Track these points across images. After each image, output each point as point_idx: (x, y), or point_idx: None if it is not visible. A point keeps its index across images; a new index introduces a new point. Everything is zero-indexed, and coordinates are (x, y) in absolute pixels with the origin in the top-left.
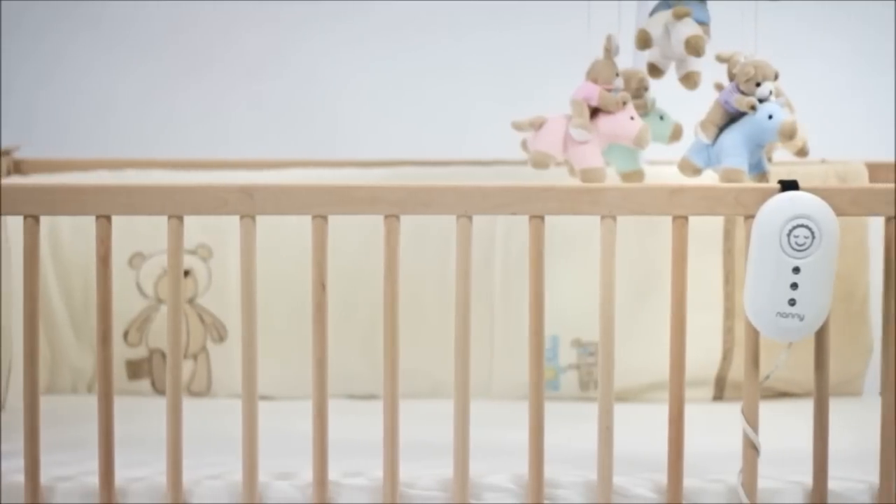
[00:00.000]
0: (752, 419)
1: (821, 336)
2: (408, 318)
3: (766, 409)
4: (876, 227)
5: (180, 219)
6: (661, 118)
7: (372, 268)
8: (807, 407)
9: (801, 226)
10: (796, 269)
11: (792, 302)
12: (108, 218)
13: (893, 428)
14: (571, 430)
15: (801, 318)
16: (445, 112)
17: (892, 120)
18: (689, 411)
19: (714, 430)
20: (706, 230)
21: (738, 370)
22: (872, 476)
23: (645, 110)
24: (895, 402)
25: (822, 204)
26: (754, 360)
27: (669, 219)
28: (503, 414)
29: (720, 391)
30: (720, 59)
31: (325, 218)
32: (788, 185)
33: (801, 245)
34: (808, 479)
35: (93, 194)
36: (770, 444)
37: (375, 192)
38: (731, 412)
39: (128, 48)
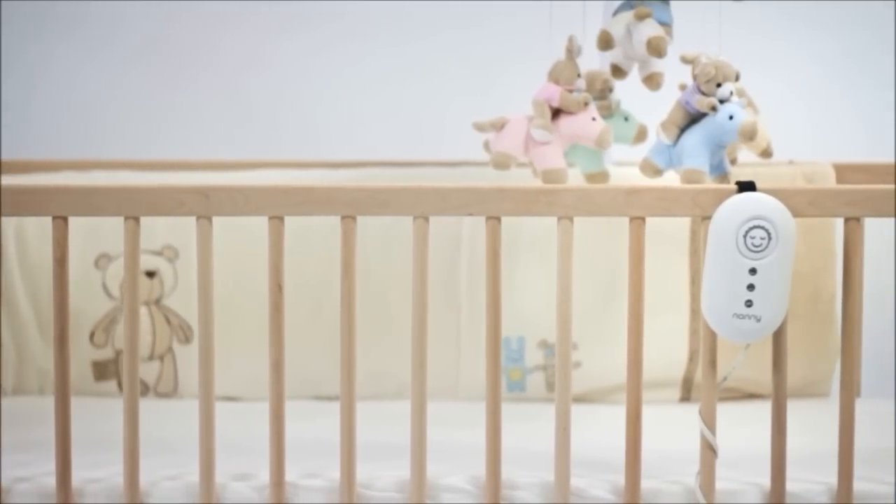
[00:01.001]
0: (709, 420)
1: (778, 337)
2: (374, 320)
3: (733, 411)
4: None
5: (136, 220)
6: (626, 119)
7: (339, 269)
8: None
9: (758, 227)
10: (753, 271)
11: (749, 303)
12: (65, 219)
13: (851, 429)
14: (535, 430)
15: (758, 320)
16: (421, 112)
17: (861, 121)
18: (656, 412)
19: (678, 432)
20: (672, 231)
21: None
22: (832, 477)
23: (609, 111)
24: (853, 402)
25: (778, 205)
26: (712, 361)
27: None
28: (469, 415)
29: (687, 392)
30: (684, 60)
31: (281, 219)
32: (745, 187)
33: (757, 246)
34: (767, 480)
35: (49, 195)
36: (734, 446)
37: (332, 193)
38: (696, 413)
39: (107, 50)
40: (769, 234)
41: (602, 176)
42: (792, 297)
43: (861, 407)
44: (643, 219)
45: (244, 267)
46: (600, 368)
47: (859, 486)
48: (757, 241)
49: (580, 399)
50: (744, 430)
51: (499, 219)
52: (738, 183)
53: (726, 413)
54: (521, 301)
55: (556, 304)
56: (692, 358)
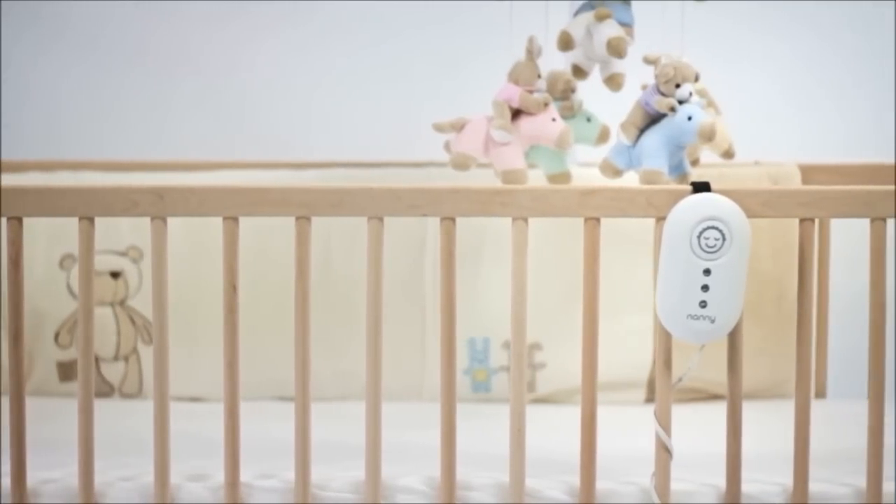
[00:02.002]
0: (664, 422)
1: (734, 338)
2: (341, 321)
3: (697, 412)
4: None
5: (91, 220)
6: (589, 120)
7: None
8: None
9: (712, 228)
10: (707, 271)
11: (703, 304)
12: (20, 220)
13: (806, 430)
14: (498, 431)
15: (713, 321)
16: (388, 113)
17: (826, 122)
18: (620, 413)
19: (640, 432)
20: (637, 231)
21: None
22: (790, 478)
23: (572, 112)
24: (808, 403)
25: (732, 206)
26: (666, 362)
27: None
28: (433, 416)
29: (652, 393)
30: (647, 60)
31: (235, 220)
32: (700, 187)
33: (711, 247)
34: (723, 480)
35: (2, 196)
36: (696, 447)
37: (286, 194)
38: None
39: (80, 51)
40: (723, 234)
41: (564, 177)
42: (758, 298)
43: (827, 408)
44: (598, 219)
45: (208, 267)
46: (565, 369)
47: (815, 487)
48: (711, 242)
49: (545, 400)
50: (706, 430)
51: (453, 219)
52: (693, 183)
53: (690, 414)
54: (486, 302)
55: (511, 305)
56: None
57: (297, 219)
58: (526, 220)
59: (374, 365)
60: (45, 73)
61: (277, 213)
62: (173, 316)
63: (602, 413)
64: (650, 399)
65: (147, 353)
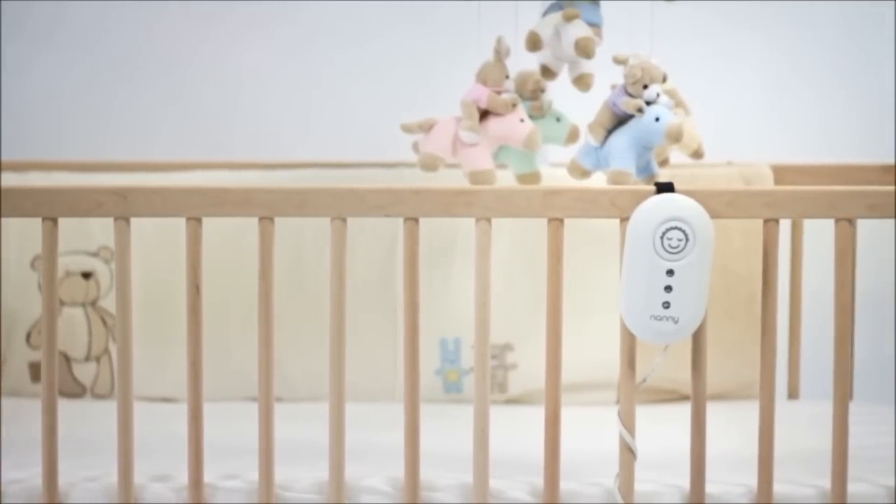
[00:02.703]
0: (628, 422)
1: (697, 339)
2: (313, 321)
3: (667, 413)
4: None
5: (54, 221)
6: (558, 120)
7: (277, 269)
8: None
9: (675, 228)
10: (670, 272)
11: (666, 305)
12: None
13: (771, 430)
14: (466, 432)
15: (676, 321)
16: (361, 113)
17: (799, 122)
18: (592, 413)
19: (611, 433)
20: (611, 231)
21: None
22: (755, 479)
23: (541, 112)
24: (773, 404)
25: (696, 206)
26: (630, 363)
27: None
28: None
29: None
30: (616, 61)
31: (198, 220)
32: (664, 188)
33: (674, 248)
34: (687, 481)
35: None
36: (664, 447)
37: (249, 195)
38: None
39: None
40: (686, 235)
41: (533, 177)
42: (729, 298)
43: (800, 409)
44: (561, 220)
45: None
46: (537, 370)
47: (780, 488)
48: (674, 243)
49: (516, 400)
50: (676, 431)
51: (417, 220)
52: (656, 184)
53: (660, 415)
54: (458, 302)
55: (475, 306)
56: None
57: (260, 219)
58: (489, 221)
59: (338, 365)
60: (24, 73)
61: (240, 213)
62: (145, 316)
63: (573, 413)
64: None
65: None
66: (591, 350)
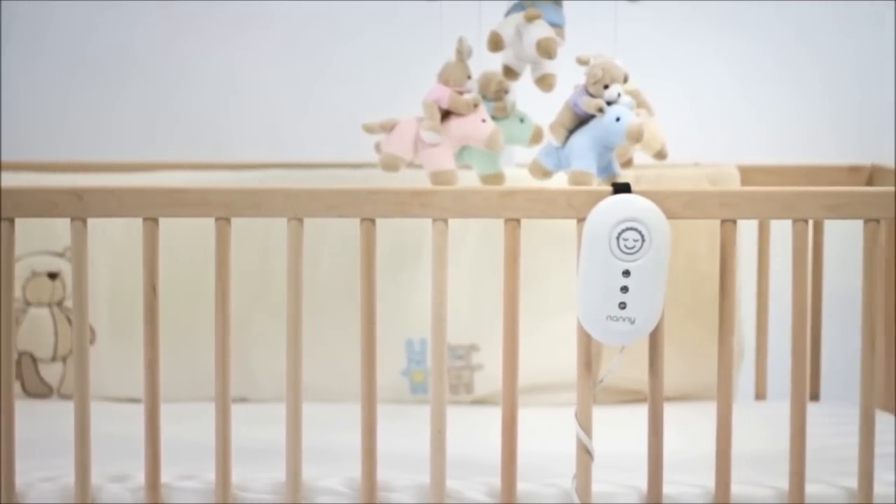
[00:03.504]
0: (585, 423)
1: (654, 340)
2: (281, 321)
3: (634, 414)
4: (748, 229)
5: (11, 221)
6: (522, 121)
7: (241, 269)
8: (677, 410)
9: (631, 228)
10: (626, 273)
11: (622, 305)
12: None
13: (728, 431)
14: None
15: (632, 322)
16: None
17: (770, 123)
18: (556, 414)
19: (573, 434)
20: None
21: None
22: (712, 480)
23: (505, 113)
24: (731, 404)
25: (652, 207)
26: (586, 363)
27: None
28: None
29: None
30: (580, 61)
31: (155, 221)
32: (620, 188)
33: (630, 248)
34: (644, 483)
35: None
36: (628, 448)
37: (205, 195)
38: (599, 416)
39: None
40: (642, 235)
41: (497, 177)
42: (695, 298)
43: (767, 410)
44: (518, 221)
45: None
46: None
47: (738, 489)
48: (630, 243)
49: (483, 401)
50: (639, 432)
51: (373, 221)
52: (613, 184)
53: (624, 416)
54: (424, 302)
55: (431, 306)
56: (595, 360)
57: (217, 220)
58: (446, 222)
59: (294, 366)
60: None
61: (196, 214)
62: (111, 316)
63: (537, 414)
64: None
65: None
66: (556, 350)
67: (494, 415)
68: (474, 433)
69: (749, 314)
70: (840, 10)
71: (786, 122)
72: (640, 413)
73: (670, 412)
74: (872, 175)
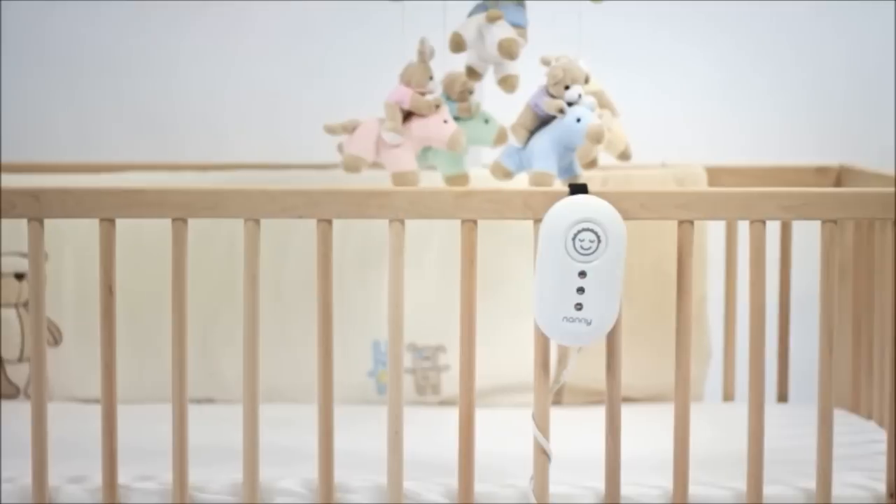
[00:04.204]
0: (542, 424)
1: (611, 341)
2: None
3: (597, 415)
4: (716, 230)
5: None
6: (487, 121)
7: (206, 270)
8: (644, 411)
9: (587, 230)
10: (582, 274)
11: (578, 306)
12: None
13: (686, 432)
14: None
15: (589, 323)
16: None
17: (738, 124)
18: (523, 416)
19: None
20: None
21: (574, 374)
22: (670, 481)
23: (470, 114)
24: (688, 406)
25: (608, 208)
26: (544, 365)
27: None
28: (341, 418)
29: (559, 396)
30: (544, 62)
31: (112, 221)
32: (577, 189)
33: (586, 249)
34: (603, 484)
35: None
36: (589, 449)
37: (163, 196)
38: (566, 417)
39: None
40: (598, 236)
41: (462, 178)
42: (664, 298)
43: (735, 411)
44: (474, 222)
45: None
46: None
47: (696, 489)
48: (586, 244)
49: (450, 402)
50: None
51: (330, 221)
52: (570, 185)
53: (589, 417)
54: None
55: (388, 307)
56: (560, 361)
57: (174, 220)
58: (402, 223)
59: (251, 367)
60: None
61: (154, 214)
62: (78, 317)
63: (504, 415)
64: (556, 402)
65: (52, 355)
66: (525, 351)
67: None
68: (438, 434)
69: (717, 315)
70: (811, 10)
71: (756, 122)
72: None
73: (637, 413)
74: (840, 175)
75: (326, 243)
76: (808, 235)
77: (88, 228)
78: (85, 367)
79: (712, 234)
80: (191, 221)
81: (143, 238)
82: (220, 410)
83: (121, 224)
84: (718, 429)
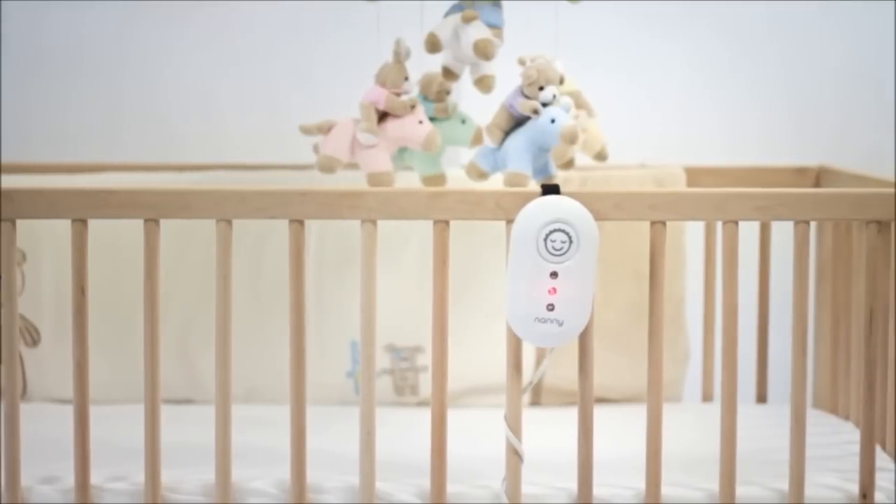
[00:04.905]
0: (514, 425)
1: (584, 341)
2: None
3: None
4: (695, 231)
5: None
6: (464, 122)
7: (185, 270)
8: (621, 412)
9: (559, 230)
10: (554, 274)
11: (550, 307)
12: None
13: (658, 432)
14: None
15: (560, 324)
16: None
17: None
18: (497, 416)
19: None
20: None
21: (553, 375)
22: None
23: (446, 114)
24: (661, 406)
25: (580, 208)
26: (516, 365)
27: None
28: (319, 419)
29: (537, 396)
30: (521, 62)
31: (84, 222)
32: (549, 190)
33: (558, 250)
34: (574, 484)
35: None
36: (567, 450)
37: (134, 196)
38: (544, 418)
39: None
40: (570, 237)
41: (438, 179)
42: (641, 299)
43: (713, 411)
44: (447, 222)
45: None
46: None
47: (670, 490)
48: (558, 245)
49: (429, 403)
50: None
51: (301, 222)
52: (542, 186)
53: (570, 418)
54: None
55: (360, 308)
56: (538, 362)
57: (146, 221)
58: (374, 223)
59: (224, 367)
60: None
61: (125, 215)
62: (57, 317)
63: (481, 416)
64: (535, 402)
65: (30, 356)
66: (499, 352)
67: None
68: (413, 435)
69: (697, 316)
70: (791, 11)
71: (736, 123)
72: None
73: (614, 414)
74: (820, 176)
75: (298, 244)
76: (787, 236)
77: (66, 229)
78: (63, 367)
79: (691, 235)
80: (171, 222)
81: (121, 238)
82: (198, 411)
83: (100, 224)
84: (696, 429)
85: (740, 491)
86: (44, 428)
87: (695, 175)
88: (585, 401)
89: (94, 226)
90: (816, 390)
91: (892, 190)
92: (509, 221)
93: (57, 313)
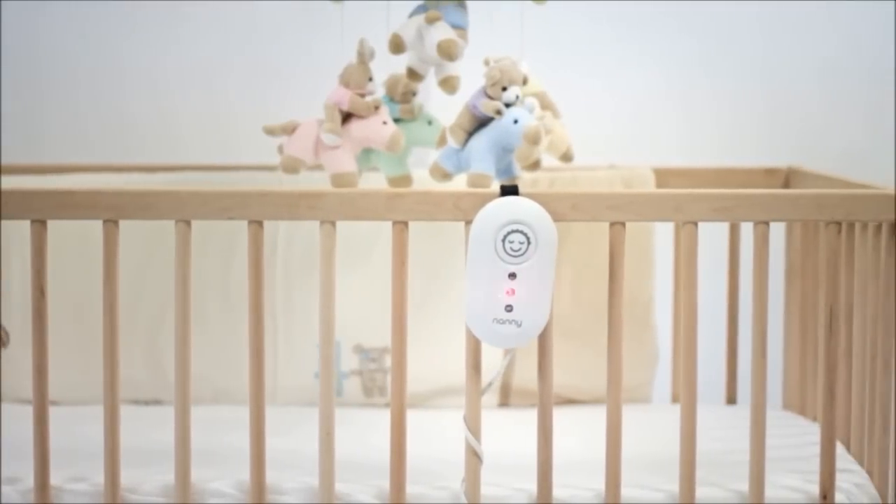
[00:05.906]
0: (474, 426)
1: (543, 342)
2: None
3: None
4: (663, 232)
5: None
6: (430, 123)
7: (155, 272)
8: (593, 413)
9: (517, 231)
10: (512, 275)
11: (509, 308)
12: None
13: (618, 433)
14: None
15: (519, 325)
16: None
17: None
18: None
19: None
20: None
21: (521, 376)
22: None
23: (412, 115)
24: (620, 407)
25: (538, 209)
26: (475, 366)
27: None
28: (284, 420)
29: (505, 398)
30: (486, 63)
31: (43, 223)
32: (508, 191)
33: (516, 251)
34: (535, 486)
35: None
36: (526, 451)
37: (95, 197)
38: (510, 419)
39: None
40: (528, 238)
41: (404, 179)
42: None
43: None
44: (405, 223)
45: (62, 269)
46: (416, 373)
47: (630, 491)
48: (516, 246)
49: None
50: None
51: (261, 223)
52: (502, 186)
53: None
54: (337, 305)
55: (320, 310)
56: (509, 363)
57: (105, 222)
58: (334, 224)
59: (183, 368)
60: None
61: (85, 216)
62: (25, 318)
63: (447, 417)
64: (503, 403)
65: (4, 357)
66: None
67: (415, 417)
68: (377, 436)
69: (666, 317)
70: (760, 11)
71: (705, 124)
72: (561, 416)
73: (581, 414)
74: (788, 177)
75: (257, 245)
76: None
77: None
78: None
79: (660, 236)
80: (139, 222)
81: (90, 238)
82: (165, 412)
83: (69, 225)
84: (664, 431)
85: (701, 492)
86: (12, 429)
87: (664, 176)
88: (545, 401)
89: (68, 226)
90: (786, 391)
91: (850, 191)
92: (468, 222)
93: (25, 314)
